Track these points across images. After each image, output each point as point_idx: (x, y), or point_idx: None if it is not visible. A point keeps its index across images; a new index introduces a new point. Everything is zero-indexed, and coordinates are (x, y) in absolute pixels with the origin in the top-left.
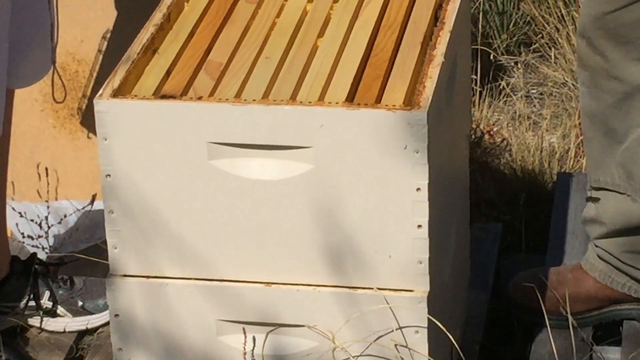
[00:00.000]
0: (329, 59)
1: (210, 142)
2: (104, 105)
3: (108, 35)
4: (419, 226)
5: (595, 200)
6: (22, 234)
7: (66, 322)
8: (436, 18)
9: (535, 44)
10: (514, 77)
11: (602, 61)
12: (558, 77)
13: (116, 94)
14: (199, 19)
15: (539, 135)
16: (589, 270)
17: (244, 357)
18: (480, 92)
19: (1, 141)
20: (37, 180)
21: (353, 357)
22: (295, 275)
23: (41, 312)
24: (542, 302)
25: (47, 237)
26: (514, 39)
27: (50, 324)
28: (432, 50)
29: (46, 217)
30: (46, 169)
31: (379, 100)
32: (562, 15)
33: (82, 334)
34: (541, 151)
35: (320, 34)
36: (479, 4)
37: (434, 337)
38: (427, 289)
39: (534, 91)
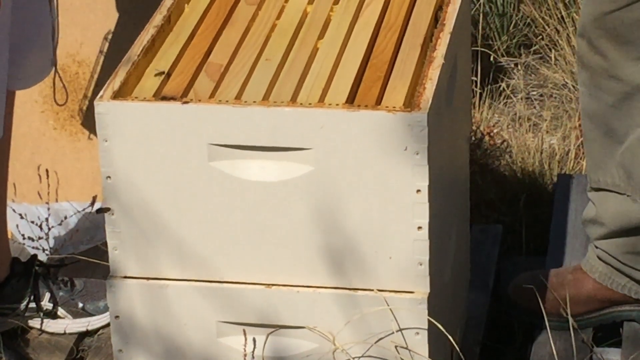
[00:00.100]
0: (329, 61)
1: (211, 144)
2: (104, 107)
3: (109, 37)
4: (419, 228)
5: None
6: (23, 235)
7: (66, 324)
8: (436, 19)
9: (535, 45)
10: (514, 78)
11: (602, 61)
12: (558, 79)
13: (116, 95)
14: (199, 20)
15: (539, 136)
16: (589, 272)
17: (244, 359)
18: (481, 94)
19: (1, 143)
20: (37, 181)
21: (353, 358)
22: (295, 276)
23: (41, 314)
24: (542, 304)
25: (47, 239)
26: (514, 40)
27: (51, 325)
28: (432, 51)
29: (47, 219)
30: (47, 170)
31: (379, 101)
32: (562, 17)
33: (82, 335)
34: (541, 153)
35: (321, 35)
36: (479, 5)
37: (434, 338)
38: (428, 290)
39: (534, 93)
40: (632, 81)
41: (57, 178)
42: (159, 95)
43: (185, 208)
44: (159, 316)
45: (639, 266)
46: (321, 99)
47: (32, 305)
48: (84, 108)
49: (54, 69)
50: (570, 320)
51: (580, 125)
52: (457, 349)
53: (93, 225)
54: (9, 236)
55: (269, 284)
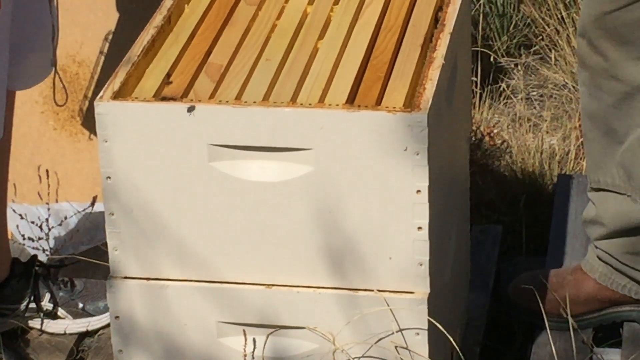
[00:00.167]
0: (329, 61)
1: (211, 144)
2: (104, 107)
3: (109, 37)
4: (419, 228)
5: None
6: (23, 236)
7: (67, 324)
8: (436, 20)
9: (535, 46)
10: (514, 79)
11: (602, 61)
12: (558, 79)
13: (117, 96)
14: (199, 21)
15: (539, 137)
16: (589, 272)
17: (244, 359)
18: (481, 94)
19: (2, 143)
20: (37, 182)
21: (353, 358)
22: (295, 277)
23: (42, 314)
24: (542, 304)
25: (47, 239)
26: (514, 41)
27: (51, 326)
28: (432, 52)
29: (47, 219)
30: (47, 171)
31: (379, 102)
32: (562, 17)
33: (82, 335)
34: (541, 153)
35: (321, 36)
36: (480, 6)
37: (434, 338)
38: (428, 290)
39: (534, 93)
40: (632, 81)
41: (57, 178)
42: (159, 96)
43: (185, 208)
44: (159, 316)
45: (639, 266)
46: (321, 100)
47: (32, 305)
48: (84, 108)
49: (54, 69)
50: (570, 320)
51: (580, 126)
52: (457, 349)
53: (93, 226)
54: (9, 236)
55: (269, 284)
